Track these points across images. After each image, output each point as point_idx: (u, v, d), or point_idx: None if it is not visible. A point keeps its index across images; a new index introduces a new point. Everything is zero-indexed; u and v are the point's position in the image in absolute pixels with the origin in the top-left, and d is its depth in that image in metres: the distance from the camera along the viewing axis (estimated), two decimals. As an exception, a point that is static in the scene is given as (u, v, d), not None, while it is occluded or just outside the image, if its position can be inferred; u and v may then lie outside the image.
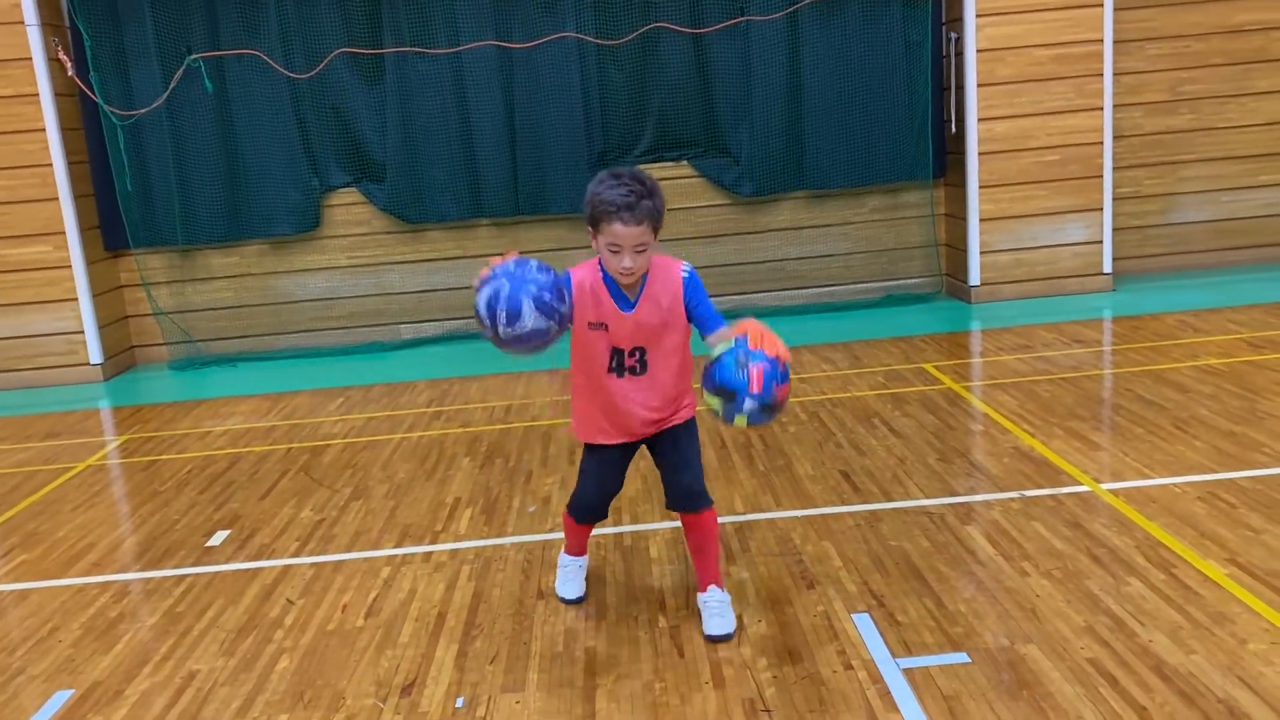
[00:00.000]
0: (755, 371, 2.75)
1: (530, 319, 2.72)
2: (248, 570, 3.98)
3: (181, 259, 8.07)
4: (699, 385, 2.92)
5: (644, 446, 3.20)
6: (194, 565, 4.08)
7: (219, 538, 4.34)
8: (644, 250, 2.86)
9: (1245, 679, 2.72)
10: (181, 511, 4.71)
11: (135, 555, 4.24)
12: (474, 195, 8.02)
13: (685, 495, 3.14)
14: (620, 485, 3.26)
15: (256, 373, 7.64)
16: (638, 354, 3.02)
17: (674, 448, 3.14)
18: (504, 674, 3.05)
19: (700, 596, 3.23)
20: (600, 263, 2.96)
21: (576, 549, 3.48)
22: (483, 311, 2.75)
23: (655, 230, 2.86)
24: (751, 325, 2.84)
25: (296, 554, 4.10)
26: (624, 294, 2.97)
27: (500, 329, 2.74)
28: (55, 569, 4.16)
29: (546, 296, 2.75)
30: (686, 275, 3.00)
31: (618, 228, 2.82)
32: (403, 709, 2.92)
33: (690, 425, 3.16)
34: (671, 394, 3.10)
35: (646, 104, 7.96)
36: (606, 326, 2.97)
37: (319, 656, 3.26)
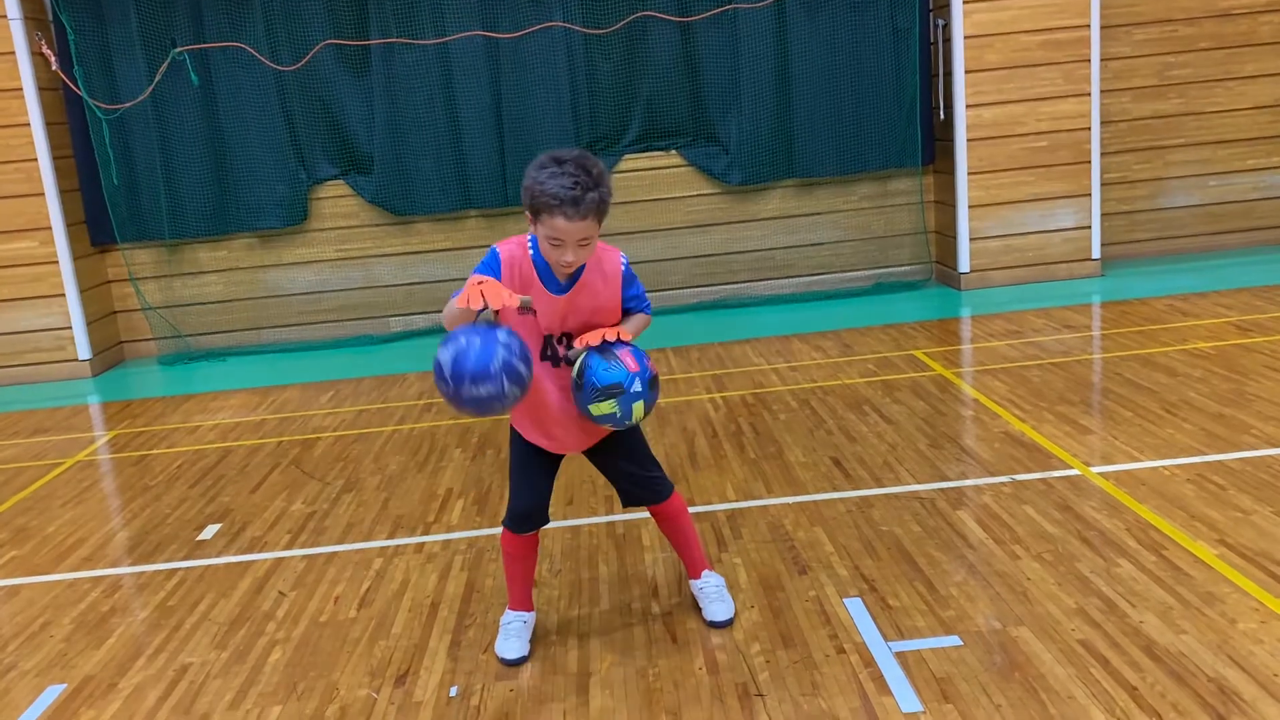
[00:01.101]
0: (624, 355, 2.75)
1: (492, 384, 2.53)
2: (239, 563, 3.97)
3: (169, 253, 8.03)
4: (585, 406, 2.79)
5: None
6: (185, 559, 4.07)
7: (210, 531, 4.33)
8: (588, 244, 2.68)
9: (1235, 658, 2.74)
10: (172, 506, 4.69)
11: (126, 550, 4.23)
12: (462, 187, 8.00)
13: (642, 485, 3.01)
14: (549, 491, 3.02)
15: (246, 367, 7.61)
16: (566, 341, 2.83)
17: (614, 448, 2.99)
18: (498, 663, 3.05)
19: (694, 584, 3.23)
20: (532, 241, 2.77)
21: (521, 599, 3.11)
22: (446, 367, 2.55)
23: (600, 221, 2.67)
24: (590, 336, 2.78)
25: (288, 547, 4.09)
26: (554, 276, 2.78)
27: (462, 387, 2.53)
28: (46, 564, 4.15)
29: (515, 362, 2.55)
30: (624, 267, 2.84)
31: (560, 222, 2.60)
32: (396, 699, 2.92)
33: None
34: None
35: (635, 93, 7.95)
36: (535, 312, 2.79)
37: (312, 648, 3.25)
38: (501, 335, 2.58)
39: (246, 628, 3.43)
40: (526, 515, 3.00)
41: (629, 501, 3.10)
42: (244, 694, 3.02)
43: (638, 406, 2.78)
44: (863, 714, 2.65)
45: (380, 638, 3.27)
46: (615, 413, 2.77)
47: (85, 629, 3.54)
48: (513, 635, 3.08)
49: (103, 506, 4.83)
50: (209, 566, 3.97)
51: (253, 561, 3.98)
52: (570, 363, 2.84)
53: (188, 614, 3.58)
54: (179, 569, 3.98)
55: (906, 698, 2.69)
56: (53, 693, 3.13)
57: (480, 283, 2.56)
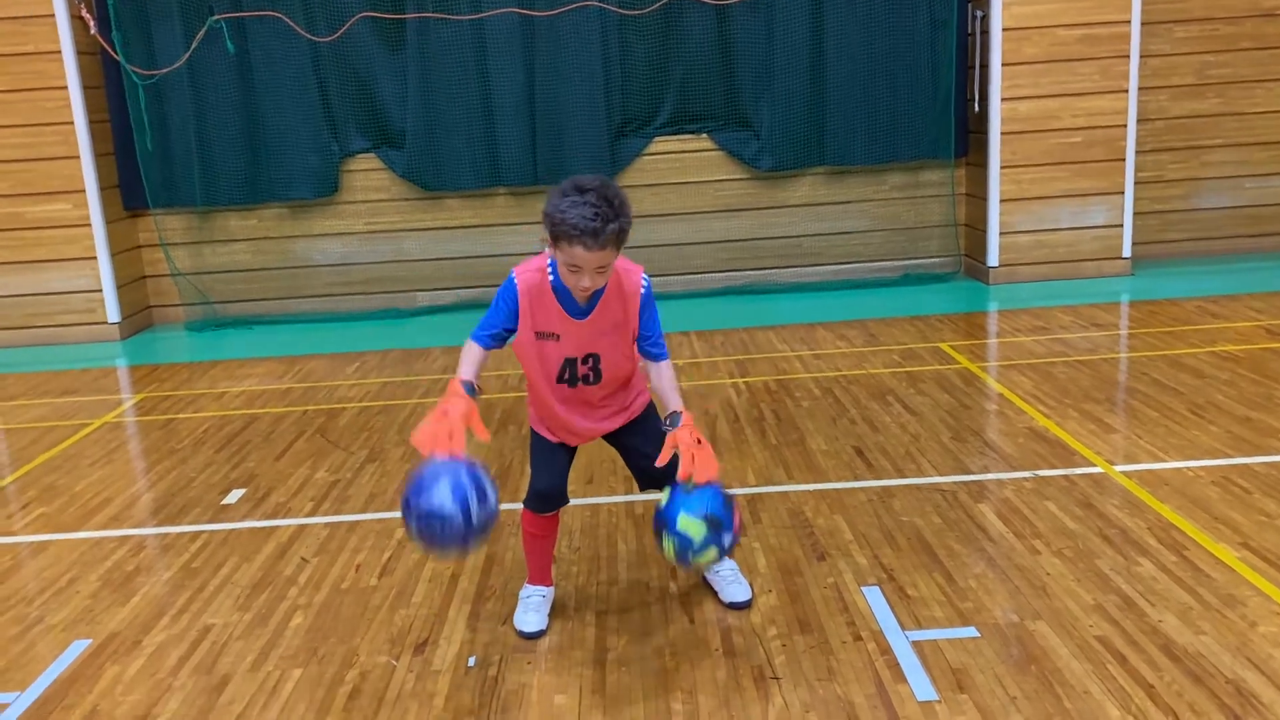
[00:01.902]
0: (737, 511, 2.73)
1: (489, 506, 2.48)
2: (263, 529, 4.02)
3: (200, 220, 8.09)
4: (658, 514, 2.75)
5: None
6: (210, 522, 4.12)
7: (234, 496, 4.38)
8: (605, 271, 2.69)
9: (1254, 660, 2.73)
10: (198, 470, 4.75)
11: (152, 511, 4.29)
12: (492, 164, 8.01)
13: (664, 472, 2.84)
14: (566, 472, 3.06)
15: (272, 336, 7.67)
16: (591, 361, 2.85)
17: (635, 431, 3.03)
18: (515, 635, 3.08)
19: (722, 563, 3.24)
20: (550, 265, 2.76)
21: (540, 575, 3.15)
22: (448, 508, 2.41)
23: (619, 250, 2.68)
24: (682, 451, 2.68)
25: (311, 514, 4.13)
26: (573, 300, 2.78)
27: (474, 516, 2.44)
28: (73, 522, 4.21)
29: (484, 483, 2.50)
30: (645, 289, 2.83)
31: (579, 251, 2.60)
32: (415, 667, 2.95)
33: (649, 409, 3.06)
34: (625, 400, 3.00)
35: (668, 75, 7.93)
36: (558, 336, 2.80)
37: (333, 614, 3.29)
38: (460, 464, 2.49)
39: (269, 592, 3.47)
40: (547, 496, 3.03)
41: (645, 484, 3.12)
42: (265, 656, 3.07)
43: (713, 551, 2.69)
44: (878, 701, 2.66)
45: (400, 606, 3.31)
46: (692, 543, 2.66)
47: (111, 586, 3.60)
48: (532, 609, 3.11)
49: (129, 468, 4.89)
50: (233, 530, 4.02)
51: (276, 527, 4.02)
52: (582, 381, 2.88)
53: (211, 576, 3.63)
54: (203, 531, 4.03)
55: (922, 686, 2.70)
56: (78, 647, 3.18)
57: (445, 415, 2.56)
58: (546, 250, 2.75)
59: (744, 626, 3.06)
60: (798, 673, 2.80)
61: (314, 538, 3.89)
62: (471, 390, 2.68)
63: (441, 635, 3.12)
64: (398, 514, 4.02)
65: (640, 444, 3.02)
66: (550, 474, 3.02)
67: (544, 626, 3.09)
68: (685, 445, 2.70)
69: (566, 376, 2.87)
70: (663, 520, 2.71)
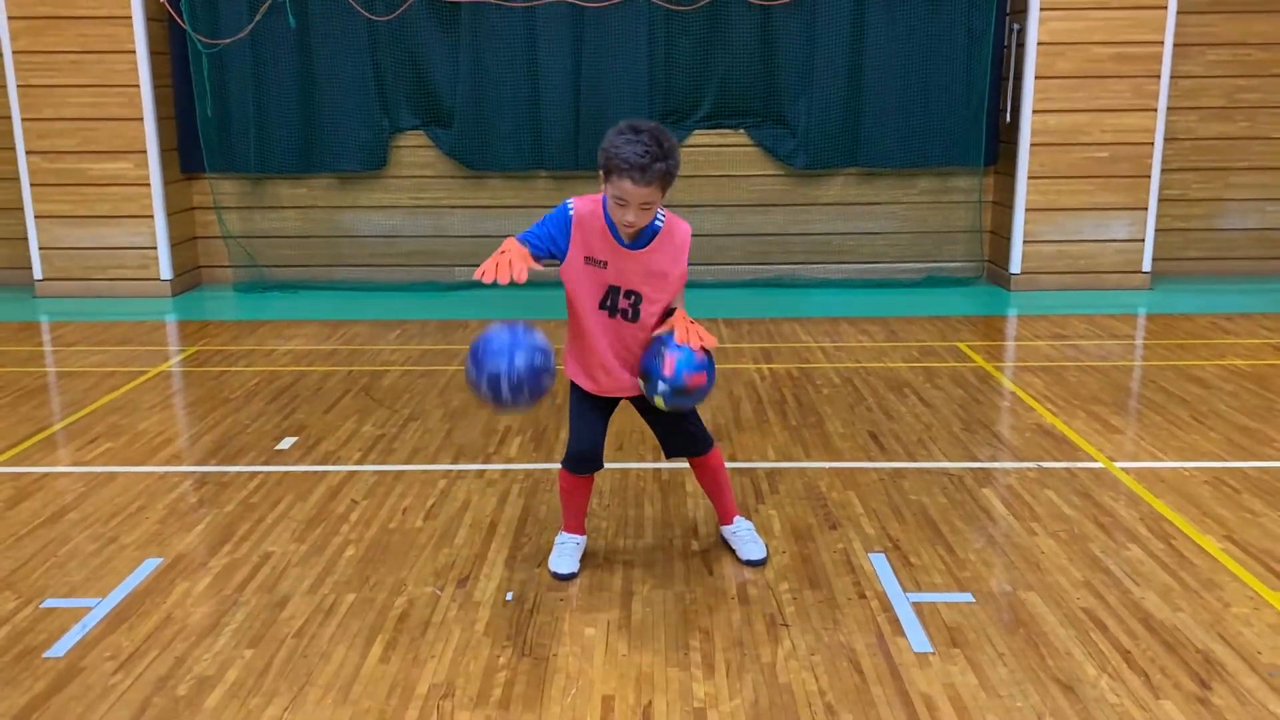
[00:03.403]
0: (669, 358, 3.01)
1: (531, 389, 2.83)
2: (315, 472, 4.33)
3: (253, 186, 8.42)
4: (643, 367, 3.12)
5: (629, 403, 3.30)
6: (265, 465, 4.43)
7: (287, 443, 4.69)
8: (649, 208, 2.90)
9: (1224, 635, 2.99)
10: (251, 418, 5.06)
11: (211, 451, 4.60)
12: (536, 147, 8.29)
13: (687, 440, 3.29)
14: (602, 436, 3.27)
15: (317, 300, 7.99)
16: (633, 298, 3.05)
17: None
18: (550, 576, 3.37)
19: (727, 529, 3.53)
20: (604, 201, 2.98)
21: (575, 524, 3.42)
22: (484, 388, 2.85)
23: (664, 190, 2.89)
24: (679, 321, 3.02)
25: (360, 462, 4.44)
26: (624, 235, 3.00)
27: (503, 395, 2.83)
28: (138, 457, 4.53)
29: (539, 360, 2.83)
30: (690, 239, 3.10)
31: (627, 185, 2.82)
32: (458, 598, 3.24)
33: None
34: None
35: (710, 70, 8.19)
36: (606, 264, 3.00)
37: (382, 548, 3.59)
38: (521, 335, 2.87)
39: (322, 527, 3.78)
40: (583, 457, 3.25)
41: (671, 452, 3.35)
42: (321, 581, 3.37)
43: (658, 399, 3.07)
44: (877, 650, 2.93)
45: (444, 546, 3.61)
46: (643, 391, 3.11)
47: (177, 515, 3.91)
48: (566, 554, 3.39)
49: (186, 413, 5.21)
50: (287, 473, 4.33)
51: (327, 472, 4.33)
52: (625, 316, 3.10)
53: (269, 510, 3.93)
54: (259, 472, 4.34)
55: (919, 640, 2.97)
56: (150, 564, 3.49)
57: (503, 252, 2.84)
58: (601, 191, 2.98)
59: (758, 580, 3.33)
60: (805, 622, 3.08)
61: (363, 483, 4.20)
62: (532, 245, 2.96)
63: (481, 573, 3.41)
64: (440, 466, 4.34)
65: (668, 416, 3.25)
66: (589, 434, 3.24)
67: (576, 570, 3.37)
68: (678, 320, 3.05)
69: (608, 304, 3.06)
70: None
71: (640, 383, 3.12)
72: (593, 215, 2.99)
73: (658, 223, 3.03)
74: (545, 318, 6.75)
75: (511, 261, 2.79)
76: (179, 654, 2.94)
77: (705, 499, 3.99)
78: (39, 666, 2.89)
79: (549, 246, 3.01)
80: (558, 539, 3.47)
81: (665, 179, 2.86)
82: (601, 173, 2.91)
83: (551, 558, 3.42)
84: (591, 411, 3.25)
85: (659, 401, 3.07)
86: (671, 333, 3.04)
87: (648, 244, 3.01)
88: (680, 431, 3.29)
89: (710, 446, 3.37)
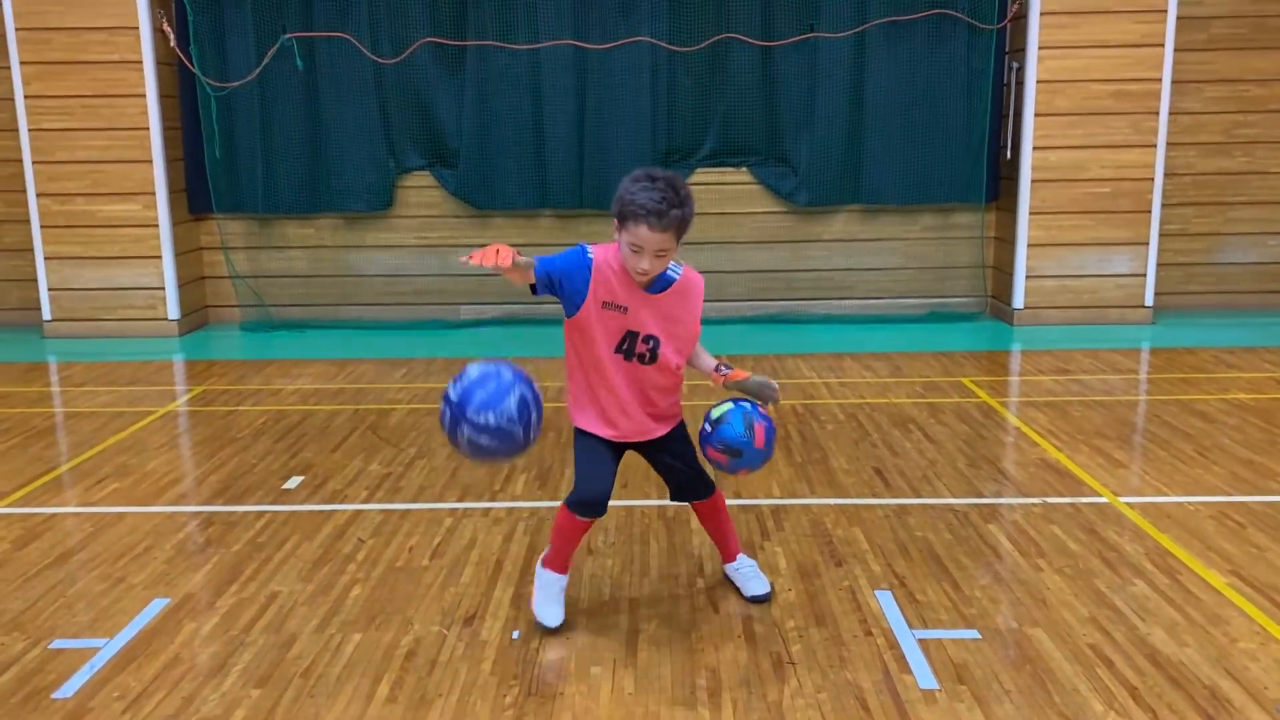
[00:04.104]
0: (760, 429, 3.14)
1: (499, 417, 2.78)
2: (322, 512, 4.34)
3: (260, 226, 8.50)
4: (704, 445, 3.21)
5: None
6: (272, 504, 4.45)
7: (294, 482, 4.71)
8: (664, 256, 2.91)
9: (1231, 671, 2.98)
10: (258, 457, 5.09)
11: (218, 491, 4.62)
12: (540, 186, 8.38)
13: (693, 485, 3.33)
14: (612, 482, 3.18)
15: (323, 339, 8.04)
16: (652, 342, 3.05)
17: (666, 447, 3.26)
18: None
19: (730, 567, 3.52)
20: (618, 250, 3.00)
21: (562, 564, 3.28)
22: (466, 379, 2.80)
23: (680, 237, 2.91)
24: (752, 383, 3.18)
25: (366, 501, 4.45)
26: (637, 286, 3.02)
27: (469, 408, 2.76)
28: (146, 497, 4.55)
29: (531, 410, 2.84)
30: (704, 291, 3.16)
31: (644, 230, 2.84)
32: (465, 637, 3.25)
33: (681, 426, 3.31)
34: (665, 403, 3.19)
35: (712, 110, 8.28)
36: (626, 309, 3.00)
37: (389, 587, 3.60)
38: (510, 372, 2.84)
39: (329, 566, 3.79)
40: (592, 503, 3.15)
41: (677, 496, 3.38)
42: (328, 621, 3.38)
43: (744, 471, 3.21)
44: (884, 687, 2.93)
45: (450, 584, 3.62)
46: (723, 466, 3.18)
47: (185, 555, 3.93)
48: (553, 600, 3.26)
49: (194, 452, 5.24)
50: (294, 512, 4.35)
51: (334, 511, 4.35)
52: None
53: (276, 550, 3.95)
54: (266, 511, 4.36)
55: (925, 677, 2.97)
56: (158, 604, 3.50)
57: (492, 245, 2.84)
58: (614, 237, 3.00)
59: (765, 618, 3.34)
60: (812, 660, 3.08)
61: (369, 522, 4.21)
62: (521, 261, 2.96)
63: (488, 611, 3.42)
64: (446, 505, 4.35)
65: (674, 460, 3.29)
66: (598, 480, 3.13)
67: (563, 618, 3.27)
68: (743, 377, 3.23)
69: (625, 347, 3.05)
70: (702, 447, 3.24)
71: (720, 458, 3.15)
72: (612, 261, 2.99)
73: (673, 273, 3.07)
74: (549, 355, 6.82)
75: (499, 250, 2.80)
76: (187, 694, 2.95)
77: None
78: (48, 707, 2.90)
79: (556, 278, 2.98)
80: (542, 579, 3.30)
81: (681, 225, 2.89)
82: (616, 220, 2.92)
83: (537, 603, 3.29)
84: (604, 457, 3.18)
85: (744, 471, 3.20)
86: (752, 404, 3.18)
87: (665, 290, 3.05)
88: (688, 477, 3.32)
89: (714, 489, 3.40)
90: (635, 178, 2.89)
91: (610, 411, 3.14)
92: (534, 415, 2.83)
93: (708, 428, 3.21)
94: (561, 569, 3.30)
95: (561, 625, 3.28)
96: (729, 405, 3.21)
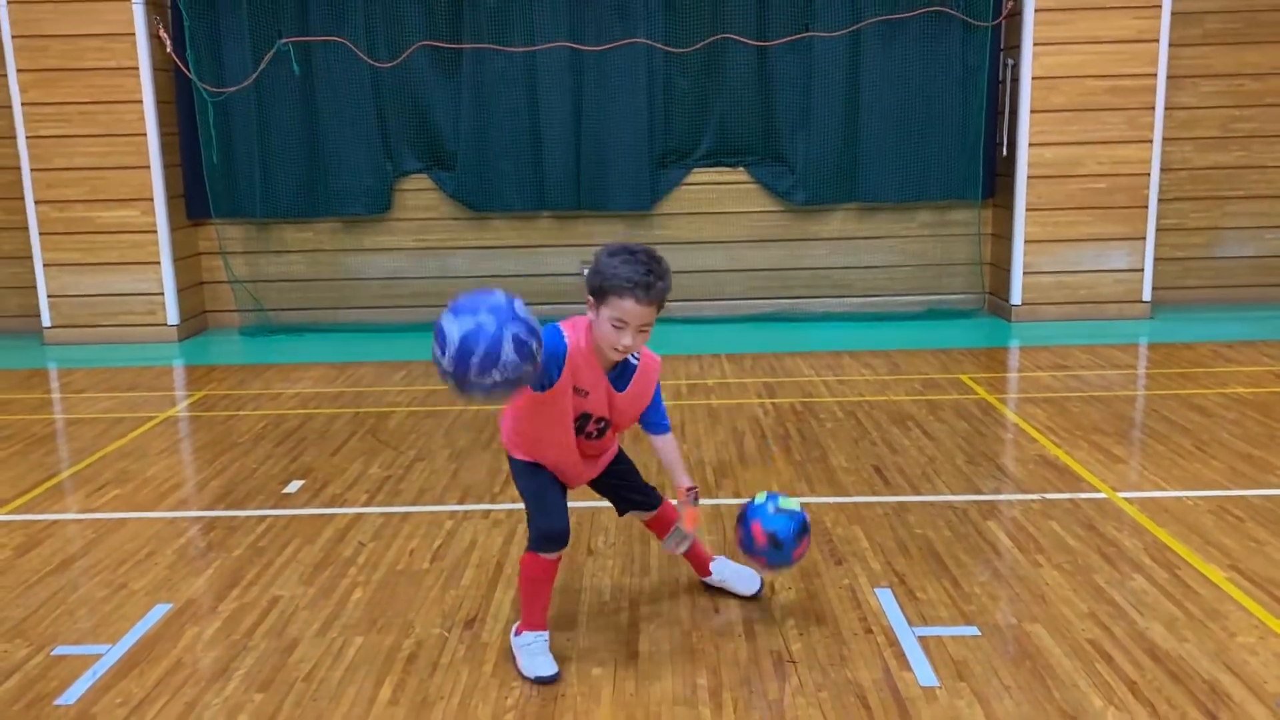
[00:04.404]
0: (803, 547, 3.21)
1: (505, 370, 2.52)
2: (322, 515, 4.35)
3: (258, 231, 8.51)
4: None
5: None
6: (273, 508, 4.46)
7: (294, 486, 4.72)
8: (647, 330, 2.83)
9: (1231, 665, 2.99)
10: (259, 461, 5.10)
11: (219, 496, 4.63)
12: (538, 188, 8.39)
13: (642, 495, 3.33)
14: (567, 510, 3.08)
15: (323, 343, 8.05)
16: (602, 424, 3.04)
17: (616, 473, 3.29)
18: (556, 615, 3.38)
19: (710, 580, 3.50)
20: (589, 329, 2.88)
21: (540, 618, 3.05)
22: (452, 347, 2.50)
23: (659, 312, 2.85)
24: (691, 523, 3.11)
25: (367, 504, 4.46)
26: (606, 365, 2.94)
27: (470, 373, 2.51)
28: (147, 503, 4.56)
29: (530, 341, 2.57)
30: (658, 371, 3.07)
31: (629, 305, 2.76)
32: (466, 639, 3.26)
33: (620, 453, 3.31)
34: (607, 457, 3.25)
35: (708, 110, 8.29)
36: (588, 394, 2.92)
37: (390, 590, 3.61)
38: (518, 309, 2.60)
39: (330, 570, 3.80)
40: (559, 535, 3.00)
41: (627, 511, 3.39)
42: (329, 624, 3.39)
43: (760, 560, 3.24)
44: (884, 685, 2.94)
45: (451, 586, 3.62)
46: (757, 544, 3.19)
47: (186, 560, 3.94)
48: (539, 653, 3.01)
49: (194, 458, 5.25)
50: (294, 516, 4.36)
51: (334, 515, 4.36)
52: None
53: (277, 554, 3.96)
54: (267, 516, 4.36)
55: (925, 674, 2.98)
56: (160, 610, 3.51)
57: None
58: (588, 314, 2.88)
59: (764, 617, 3.35)
60: (812, 657, 3.09)
61: (370, 525, 4.22)
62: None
63: (489, 613, 3.43)
64: (446, 507, 4.36)
65: (616, 475, 3.29)
66: (559, 511, 3.03)
67: (557, 668, 3.00)
68: (693, 521, 3.12)
69: (577, 424, 3.00)
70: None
71: (761, 539, 3.18)
72: (583, 344, 2.88)
73: (633, 359, 3.00)
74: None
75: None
76: (189, 699, 2.96)
77: (711, 535, 4.01)
78: (50, 714, 2.91)
79: (541, 336, 2.73)
80: (523, 640, 3.05)
81: (663, 297, 2.83)
82: (592, 298, 2.83)
83: (525, 664, 3.01)
84: (556, 485, 3.09)
85: (759, 562, 3.25)
86: (800, 523, 3.21)
87: (628, 384, 2.99)
88: (633, 498, 3.35)
89: (660, 500, 3.39)
90: (613, 252, 2.81)
91: (562, 466, 3.10)
92: (534, 345, 2.58)
93: (770, 508, 3.20)
94: (540, 625, 3.05)
95: (563, 624, 3.29)
96: (798, 506, 3.24)
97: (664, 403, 3.18)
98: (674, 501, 3.22)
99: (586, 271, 2.87)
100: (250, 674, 3.08)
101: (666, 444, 3.15)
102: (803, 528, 3.20)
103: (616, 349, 2.84)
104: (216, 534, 4.19)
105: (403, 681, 3.02)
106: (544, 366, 2.77)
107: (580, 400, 2.94)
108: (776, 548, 3.16)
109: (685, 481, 3.11)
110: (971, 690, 2.90)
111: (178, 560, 3.93)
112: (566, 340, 2.86)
